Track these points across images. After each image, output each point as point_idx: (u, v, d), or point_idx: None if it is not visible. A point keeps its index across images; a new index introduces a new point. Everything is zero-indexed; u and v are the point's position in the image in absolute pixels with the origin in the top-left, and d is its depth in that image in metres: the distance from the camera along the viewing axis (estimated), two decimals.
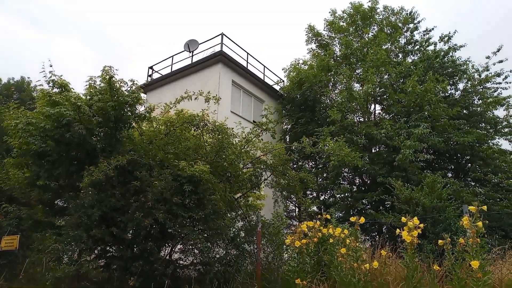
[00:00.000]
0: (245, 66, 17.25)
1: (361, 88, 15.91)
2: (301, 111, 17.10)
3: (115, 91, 7.12)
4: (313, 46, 18.96)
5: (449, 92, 15.85)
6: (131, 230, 6.86)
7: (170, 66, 18.32)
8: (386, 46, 16.49)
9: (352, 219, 5.81)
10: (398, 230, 5.16)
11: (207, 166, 6.99)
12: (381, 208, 13.40)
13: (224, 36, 16.35)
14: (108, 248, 7.32)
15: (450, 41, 16.15)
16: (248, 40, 66.52)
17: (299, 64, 18.00)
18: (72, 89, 7.47)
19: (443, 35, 16.44)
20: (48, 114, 6.66)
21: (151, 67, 19.40)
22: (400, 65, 15.28)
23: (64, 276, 6.10)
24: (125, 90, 7.39)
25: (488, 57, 15.30)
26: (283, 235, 7.85)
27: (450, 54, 15.96)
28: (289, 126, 18.02)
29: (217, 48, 16.26)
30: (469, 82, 15.31)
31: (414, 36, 17.54)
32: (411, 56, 17.50)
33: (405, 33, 17.58)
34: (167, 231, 7.09)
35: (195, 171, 6.65)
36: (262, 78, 18.23)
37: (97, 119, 6.83)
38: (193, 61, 17.15)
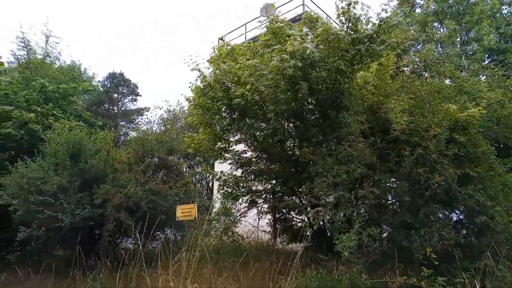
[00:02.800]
0: None
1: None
2: None
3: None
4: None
5: None
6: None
7: (244, 35, 18.25)
8: None
9: None
10: None
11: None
12: None
13: None
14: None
15: None
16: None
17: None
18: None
19: None
20: (292, 51, 5.10)
21: (221, 38, 19.54)
22: None
23: None
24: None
25: None
26: None
27: None
28: None
29: (299, 11, 15.29)
30: None
31: None
32: None
33: None
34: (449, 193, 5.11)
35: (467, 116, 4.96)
36: None
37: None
38: None
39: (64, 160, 7.74)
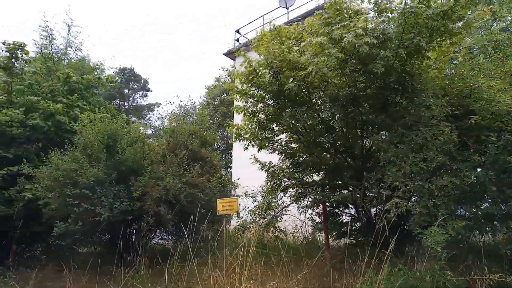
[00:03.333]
0: None
1: None
2: None
3: None
4: None
5: None
6: None
7: (262, 27, 18.00)
8: None
9: None
10: None
11: None
12: None
13: None
14: None
15: None
16: None
17: None
18: None
19: None
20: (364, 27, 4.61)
21: (237, 31, 19.29)
22: None
23: None
24: None
25: None
26: None
27: None
28: None
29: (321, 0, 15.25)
30: None
31: None
32: None
33: None
34: None
35: None
36: None
37: None
38: (289, 18, 16.53)
39: (99, 151, 7.36)
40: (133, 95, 32.91)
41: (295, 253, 6.71)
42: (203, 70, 56.75)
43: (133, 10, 70.62)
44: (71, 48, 11.41)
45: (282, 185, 6.79)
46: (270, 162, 6.86)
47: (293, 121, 6.12)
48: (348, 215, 7.19)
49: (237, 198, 7.04)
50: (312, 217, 7.49)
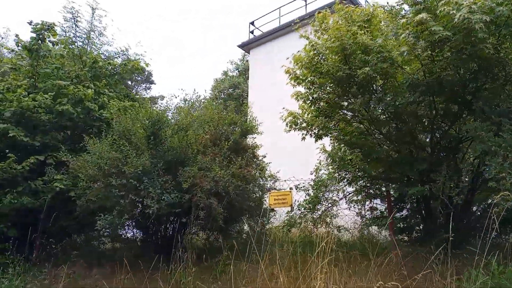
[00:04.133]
0: None
1: None
2: None
3: None
4: None
5: None
6: None
7: (278, 19, 17.59)
8: None
9: None
10: None
11: None
12: None
13: None
14: None
15: None
16: None
17: None
18: None
19: None
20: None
21: (252, 23, 18.81)
22: None
23: None
24: None
25: None
26: None
27: None
28: None
29: None
30: None
31: None
32: None
33: None
34: None
35: None
36: None
37: None
38: (308, 11, 16.10)
39: (142, 140, 6.84)
40: (136, 87, 32.17)
41: (353, 250, 6.33)
42: (207, 66, 56.21)
43: (137, 6, 69.48)
44: (94, 32, 10.80)
45: (346, 177, 6.36)
46: (337, 152, 6.43)
47: (365, 109, 5.69)
48: (406, 210, 6.83)
49: (290, 191, 6.64)
50: (367, 212, 7.13)
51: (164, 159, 6.68)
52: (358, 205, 7.10)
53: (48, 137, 8.14)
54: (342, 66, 5.52)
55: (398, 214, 6.85)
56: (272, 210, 7.01)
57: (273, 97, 14.81)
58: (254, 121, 8.29)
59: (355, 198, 7.03)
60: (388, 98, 5.56)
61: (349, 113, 6.15)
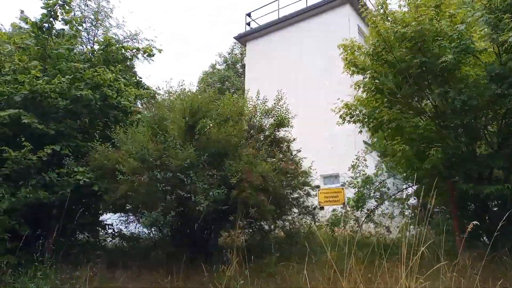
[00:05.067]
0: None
1: None
2: None
3: None
4: None
5: None
6: None
7: (277, 11, 17.01)
8: None
9: None
10: None
11: None
12: None
13: None
14: None
15: None
16: None
17: None
18: None
19: None
20: None
21: (248, 14, 18.12)
22: None
23: None
24: None
25: None
26: None
27: None
28: None
29: None
30: None
31: None
32: None
33: None
34: None
35: None
36: None
37: None
38: (308, 4, 15.61)
39: (180, 130, 6.25)
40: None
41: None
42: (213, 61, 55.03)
43: (142, 3, 66.60)
44: (100, 14, 9.92)
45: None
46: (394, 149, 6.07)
47: (443, 101, 5.41)
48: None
49: (343, 189, 6.30)
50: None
51: (208, 152, 6.14)
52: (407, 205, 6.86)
53: (63, 125, 7.33)
54: (417, 54, 5.21)
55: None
56: (322, 208, 6.64)
57: (271, 90, 14.45)
58: (287, 112, 7.84)
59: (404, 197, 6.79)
60: (470, 89, 5.26)
61: (417, 105, 5.87)
